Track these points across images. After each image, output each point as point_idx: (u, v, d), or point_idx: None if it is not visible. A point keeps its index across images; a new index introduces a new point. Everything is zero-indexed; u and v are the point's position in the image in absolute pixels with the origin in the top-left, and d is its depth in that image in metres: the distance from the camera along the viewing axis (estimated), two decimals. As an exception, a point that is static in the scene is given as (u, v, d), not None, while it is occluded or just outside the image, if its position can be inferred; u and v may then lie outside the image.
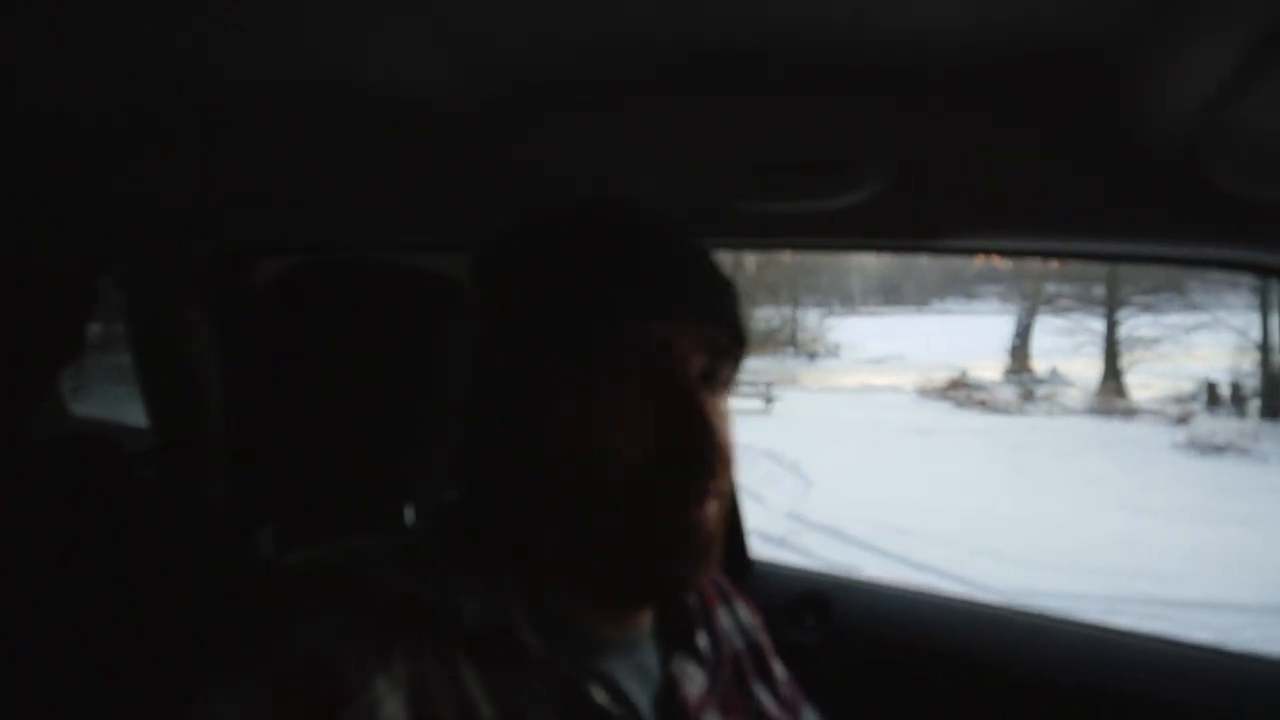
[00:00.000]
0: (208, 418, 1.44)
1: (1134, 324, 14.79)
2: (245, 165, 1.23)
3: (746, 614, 0.82)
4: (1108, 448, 10.24)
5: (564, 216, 0.65)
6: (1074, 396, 14.02)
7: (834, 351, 20.90)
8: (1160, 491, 8.24)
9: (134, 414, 1.73)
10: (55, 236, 1.53)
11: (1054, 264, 15.96)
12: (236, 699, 0.52)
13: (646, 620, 0.67)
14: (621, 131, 0.92)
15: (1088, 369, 14.85)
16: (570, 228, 0.64)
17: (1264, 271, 0.95)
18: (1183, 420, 11.53)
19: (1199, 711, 1.07)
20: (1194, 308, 14.13)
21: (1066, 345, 15.36)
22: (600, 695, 0.59)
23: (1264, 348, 12.07)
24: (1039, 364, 16.34)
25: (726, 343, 0.62)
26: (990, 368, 15.98)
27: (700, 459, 0.58)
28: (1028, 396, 14.19)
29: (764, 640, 0.81)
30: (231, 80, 0.89)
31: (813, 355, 20.66)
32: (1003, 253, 1.03)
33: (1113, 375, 14.59)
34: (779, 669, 0.81)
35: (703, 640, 0.71)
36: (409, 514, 0.95)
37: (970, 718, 1.19)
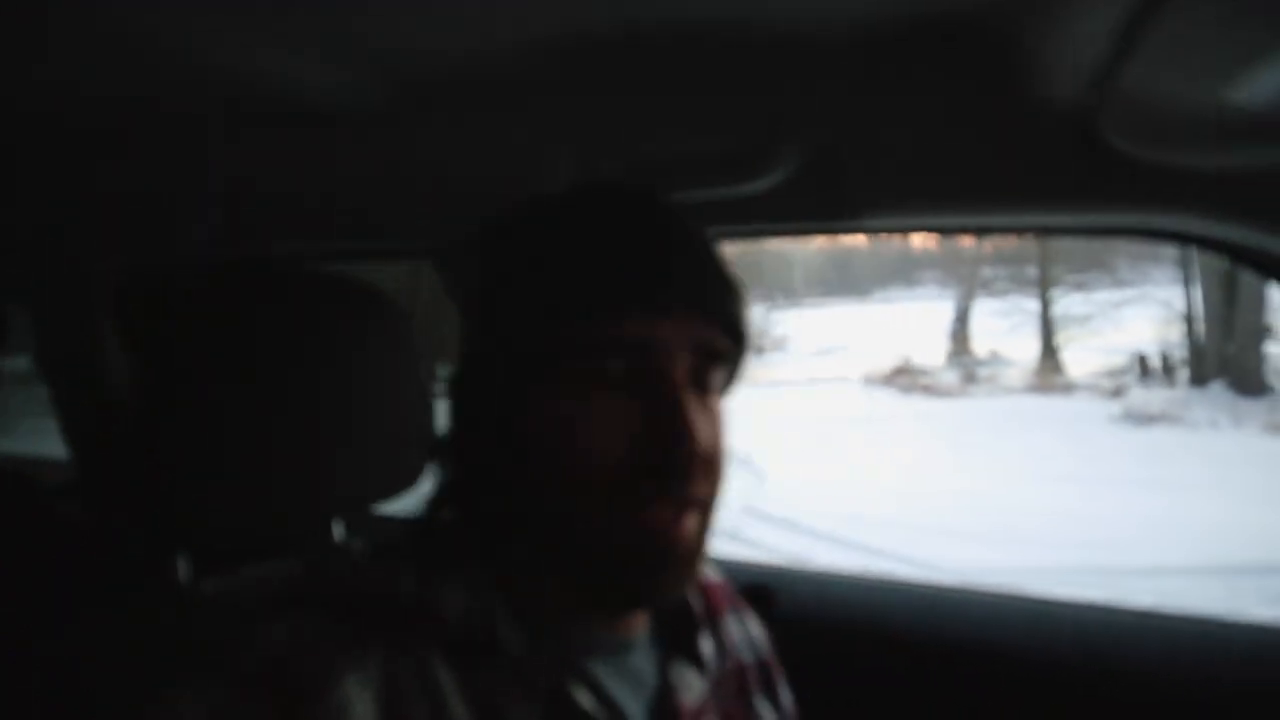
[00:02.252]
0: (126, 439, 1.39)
1: (1067, 303, 15.20)
2: (152, 181, 1.19)
3: (758, 629, 0.79)
4: (1048, 424, 10.49)
5: (543, 203, 0.63)
6: (1014, 376, 14.34)
7: (780, 345, 21.07)
8: (1098, 463, 8.47)
9: (60, 448, 1.66)
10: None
11: (988, 248, 16.34)
12: (199, 700, 0.50)
13: (642, 623, 0.64)
14: (527, 129, 0.91)
15: (1026, 349, 15.21)
16: (547, 215, 0.62)
17: (1176, 239, 0.96)
18: (1117, 393, 11.86)
19: (1156, 677, 1.09)
20: (1122, 284, 14.59)
21: (1004, 327, 15.72)
22: (585, 699, 0.56)
23: (1188, 318, 12.48)
24: (979, 346, 16.69)
25: (721, 343, 0.60)
26: (933, 353, 16.27)
27: (677, 467, 0.55)
28: (970, 379, 14.48)
29: (773, 659, 0.78)
30: (131, 96, 0.87)
31: (760, 350, 20.79)
32: (918, 229, 1.04)
33: (1049, 353, 14.98)
34: (785, 694, 0.78)
35: (706, 646, 0.68)
36: (338, 530, 0.91)
37: (918, 696, 1.20)
